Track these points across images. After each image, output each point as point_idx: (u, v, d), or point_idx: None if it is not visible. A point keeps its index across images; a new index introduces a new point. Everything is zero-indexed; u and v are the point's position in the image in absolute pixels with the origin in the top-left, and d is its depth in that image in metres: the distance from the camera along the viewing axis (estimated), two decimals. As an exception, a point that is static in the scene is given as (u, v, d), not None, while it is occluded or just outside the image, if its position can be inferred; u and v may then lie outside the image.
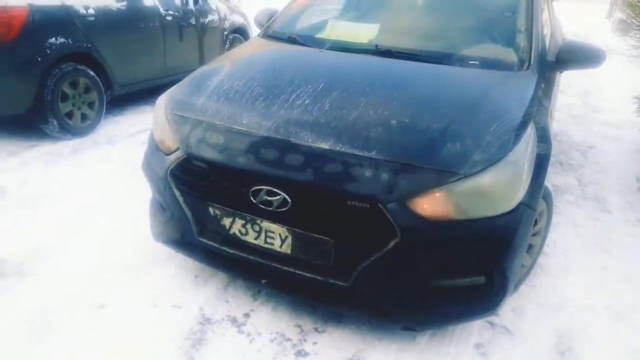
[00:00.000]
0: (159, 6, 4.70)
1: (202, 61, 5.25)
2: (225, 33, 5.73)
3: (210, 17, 5.42)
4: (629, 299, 2.42)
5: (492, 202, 1.71)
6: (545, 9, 3.10)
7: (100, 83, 4.17)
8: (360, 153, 1.75)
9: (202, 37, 5.32)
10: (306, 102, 2.04)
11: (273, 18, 3.12)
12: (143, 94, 5.04)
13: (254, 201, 1.82)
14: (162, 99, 2.32)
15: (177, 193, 2.05)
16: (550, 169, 2.14)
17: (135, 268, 2.41)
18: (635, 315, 2.30)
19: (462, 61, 2.37)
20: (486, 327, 2.16)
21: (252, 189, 1.82)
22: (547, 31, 2.96)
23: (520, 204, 1.74)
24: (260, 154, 1.86)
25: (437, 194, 1.66)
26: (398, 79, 2.26)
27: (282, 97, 2.09)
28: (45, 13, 3.63)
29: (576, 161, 4.20)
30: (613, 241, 2.95)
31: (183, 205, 2.05)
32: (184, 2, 5.05)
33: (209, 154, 1.95)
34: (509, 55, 2.42)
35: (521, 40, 2.51)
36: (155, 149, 2.17)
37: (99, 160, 3.70)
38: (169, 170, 2.04)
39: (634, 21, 6.21)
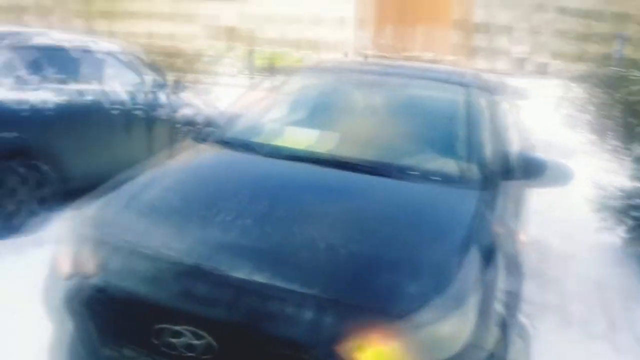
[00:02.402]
0: (104, 100, 4.58)
1: (151, 155, 5.09)
2: (178, 126, 5.63)
3: (160, 111, 5.33)
4: None
5: (433, 346, 1.47)
6: (500, 114, 2.97)
7: (33, 181, 3.90)
8: (282, 285, 1.52)
9: (150, 131, 5.19)
10: (227, 219, 1.81)
11: (222, 120, 2.96)
12: (88, 189, 4.75)
13: (157, 342, 1.53)
14: (76, 214, 2.07)
15: (74, 327, 1.73)
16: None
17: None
18: None
19: (402, 173, 2.23)
20: None
21: (155, 327, 1.54)
22: (501, 140, 2.84)
23: (467, 345, 1.51)
24: (164, 283, 1.60)
25: (369, 338, 1.42)
26: (333, 193, 2.09)
27: (202, 212, 1.86)
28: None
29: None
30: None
31: (83, 344, 1.73)
32: (133, 96, 4.97)
33: (120, 287, 1.66)
34: (452, 167, 2.31)
35: (464, 150, 2.42)
36: (55, 274, 1.89)
37: (18, 267, 3.31)
38: (69, 302, 1.73)
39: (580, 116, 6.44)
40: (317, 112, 3.09)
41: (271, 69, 21.90)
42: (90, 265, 1.77)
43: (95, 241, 1.84)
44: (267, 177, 2.22)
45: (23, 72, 3.85)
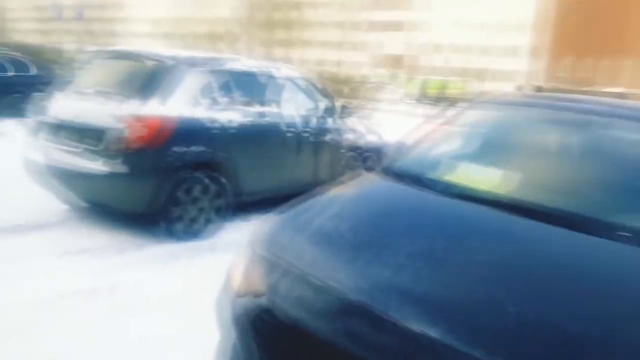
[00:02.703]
0: (282, 123, 4.88)
1: (317, 179, 5.26)
2: (344, 152, 5.75)
3: (329, 136, 5.50)
4: None
5: None
6: None
7: (213, 191, 4.29)
8: (459, 346, 1.34)
9: (319, 155, 5.37)
10: (398, 257, 1.68)
11: (394, 150, 2.86)
12: (270, 202, 5.11)
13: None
14: (250, 232, 2.16)
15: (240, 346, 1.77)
16: None
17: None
18: None
19: (613, 231, 1.81)
20: None
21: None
22: None
23: None
24: (329, 316, 1.54)
25: None
26: (524, 245, 1.80)
27: (372, 247, 1.76)
28: (183, 124, 3.94)
29: None
30: None
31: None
32: (306, 120, 5.22)
33: (285, 311, 1.66)
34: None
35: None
36: (229, 288, 1.97)
37: (194, 270, 3.64)
38: (239, 319, 1.78)
39: None
40: (497, 149, 2.78)
41: (442, 98, 21.53)
42: (259, 284, 1.80)
43: (266, 261, 1.87)
44: (441, 217, 2.04)
45: (217, 94, 4.30)
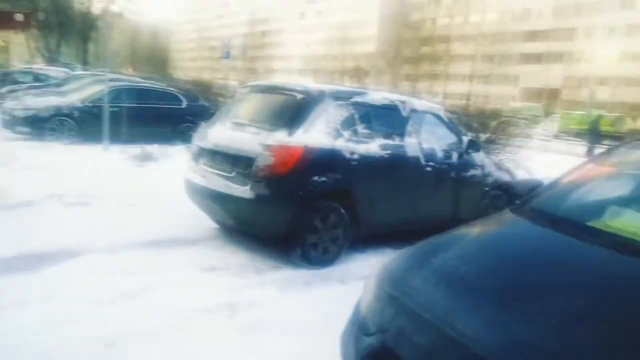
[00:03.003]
0: (421, 156, 4.75)
1: (455, 215, 5.00)
2: (487, 189, 5.40)
3: (471, 172, 5.21)
4: None
5: None
6: None
7: (348, 221, 4.31)
8: None
9: (459, 190, 5.11)
10: (533, 311, 1.48)
11: (534, 190, 2.60)
12: (403, 235, 5.03)
13: None
14: (379, 267, 2.09)
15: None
16: None
17: None
18: None
19: None
20: None
21: None
22: None
23: None
24: None
25: None
26: None
27: (504, 296, 1.58)
28: (317, 154, 4.05)
29: None
30: None
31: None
32: (447, 155, 5.01)
33: (407, 353, 1.56)
34: None
35: None
36: (355, 322, 1.91)
37: (325, 297, 3.67)
38: (361, 355, 1.72)
39: None
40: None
41: (603, 135, 19.27)
42: (383, 322, 1.72)
43: (392, 300, 1.80)
44: (592, 272, 1.75)
45: (357, 126, 4.36)
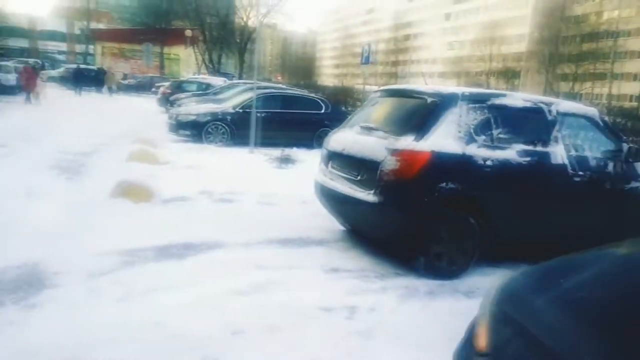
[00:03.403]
0: (568, 165, 4.26)
1: (609, 233, 4.37)
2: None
3: (633, 184, 4.51)
4: None
5: None
6: None
7: (478, 232, 4.04)
8: None
9: (615, 205, 4.46)
10: None
11: None
12: (527, 250, 4.60)
13: None
14: (499, 285, 1.91)
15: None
16: None
17: None
18: None
19: None
20: None
21: None
22: None
23: None
24: None
25: None
26: None
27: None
28: (445, 160, 3.86)
29: None
30: None
31: None
32: (601, 164, 4.41)
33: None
34: None
35: None
36: (469, 342, 1.78)
37: (448, 311, 3.49)
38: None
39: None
40: None
41: None
42: (499, 343, 1.58)
43: (510, 322, 1.63)
44: None
45: (492, 131, 4.06)
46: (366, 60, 12.47)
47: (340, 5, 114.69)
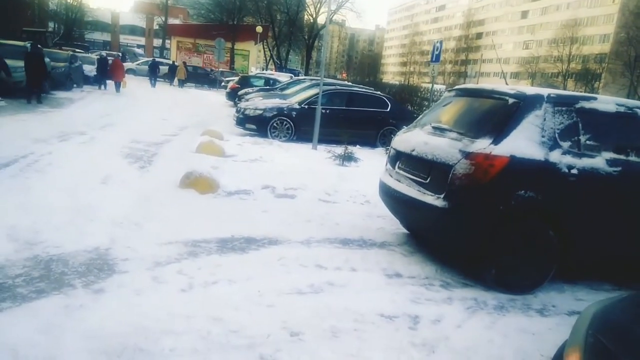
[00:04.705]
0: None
1: None
2: None
3: None
4: None
5: None
6: None
7: (557, 246, 3.72)
8: None
9: None
10: None
11: None
12: (607, 268, 4.21)
13: None
14: (590, 310, 1.69)
15: None
16: None
17: None
18: None
19: None
20: None
21: None
22: None
23: None
24: None
25: None
26: None
27: None
28: (525, 165, 3.58)
29: None
30: None
31: None
32: None
33: None
34: None
35: None
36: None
37: (519, 329, 3.23)
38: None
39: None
40: None
41: None
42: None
43: (610, 355, 1.43)
44: None
45: (578, 136, 3.71)
46: (436, 58, 12.03)
47: (412, 1, 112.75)
